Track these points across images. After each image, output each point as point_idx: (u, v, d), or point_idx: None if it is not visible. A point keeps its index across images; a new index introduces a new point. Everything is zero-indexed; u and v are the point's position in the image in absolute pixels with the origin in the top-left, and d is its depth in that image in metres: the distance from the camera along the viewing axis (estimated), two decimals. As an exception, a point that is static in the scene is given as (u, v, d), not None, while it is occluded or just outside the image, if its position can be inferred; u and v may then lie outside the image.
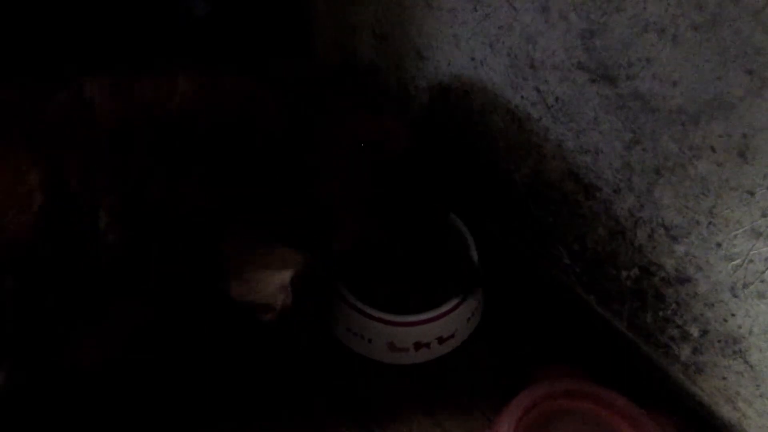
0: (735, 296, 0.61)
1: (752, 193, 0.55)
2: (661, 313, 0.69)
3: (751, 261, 0.58)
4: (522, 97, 0.69)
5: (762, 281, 0.58)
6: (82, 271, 0.56)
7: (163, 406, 0.73)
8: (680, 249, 0.63)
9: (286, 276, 0.61)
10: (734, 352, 0.64)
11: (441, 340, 0.78)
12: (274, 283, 0.61)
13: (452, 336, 0.79)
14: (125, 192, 0.57)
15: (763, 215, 0.55)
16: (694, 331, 0.66)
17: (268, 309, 0.62)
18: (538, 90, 0.67)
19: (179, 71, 0.61)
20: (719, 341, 0.65)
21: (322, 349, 0.79)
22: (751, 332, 0.61)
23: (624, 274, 0.71)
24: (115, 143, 0.57)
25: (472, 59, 0.72)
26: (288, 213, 0.63)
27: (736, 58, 0.50)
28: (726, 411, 0.68)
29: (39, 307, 0.56)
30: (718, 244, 0.60)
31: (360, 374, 0.77)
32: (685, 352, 0.69)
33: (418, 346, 0.77)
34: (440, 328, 0.77)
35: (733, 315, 0.62)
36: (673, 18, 0.53)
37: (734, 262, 0.59)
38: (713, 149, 0.56)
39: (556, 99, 0.66)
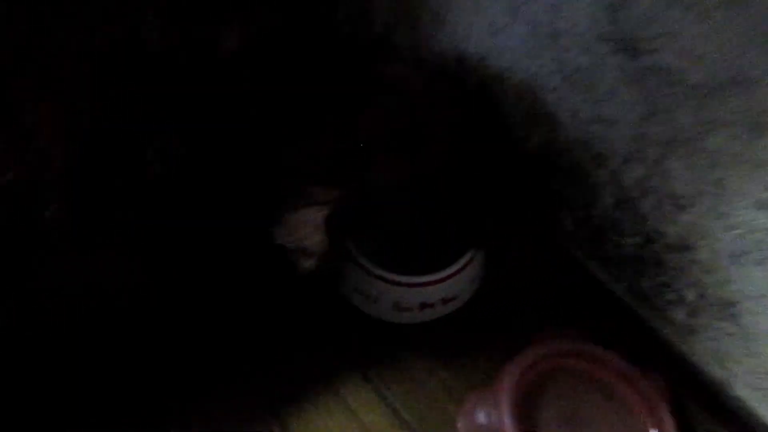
0: (733, 263, 0.65)
1: (761, 167, 0.58)
2: (659, 279, 0.73)
3: (752, 231, 0.62)
4: (540, 65, 0.71)
5: (760, 250, 0.62)
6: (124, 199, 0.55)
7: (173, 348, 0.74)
8: (685, 218, 0.67)
9: (319, 215, 0.60)
10: (727, 316, 0.68)
11: (445, 301, 0.80)
12: (308, 224, 0.61)
13: (455, 297, 0.81)
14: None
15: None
16: (691, 296, 0.71)
17: (308, 254, 0.62)
18: (557, 59, 0.69)
19: None
20: (713, 305, 0.69)
21: (328, 303, 0.80)
22: (745, 296, 0.66)
23: (627, 241, 0.74)
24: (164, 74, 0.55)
25: (491, 25, 0.73)
26: (332, 144, 0.62)
27: (764, 35, 0.53)
28: (715, 370, 0.73)
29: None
30: (723, 214, 0.63)
31: (364, 330, 0.79)
32: (680, 315, 0.73)
33: (423, 306, 0.80)
34: (445, 289, 0.79)
35: (729, 281, 0.66)
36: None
37: (736, 231, 0.63)
38: (728, 124, 0.59)
39: (576, 69, 0.68)
